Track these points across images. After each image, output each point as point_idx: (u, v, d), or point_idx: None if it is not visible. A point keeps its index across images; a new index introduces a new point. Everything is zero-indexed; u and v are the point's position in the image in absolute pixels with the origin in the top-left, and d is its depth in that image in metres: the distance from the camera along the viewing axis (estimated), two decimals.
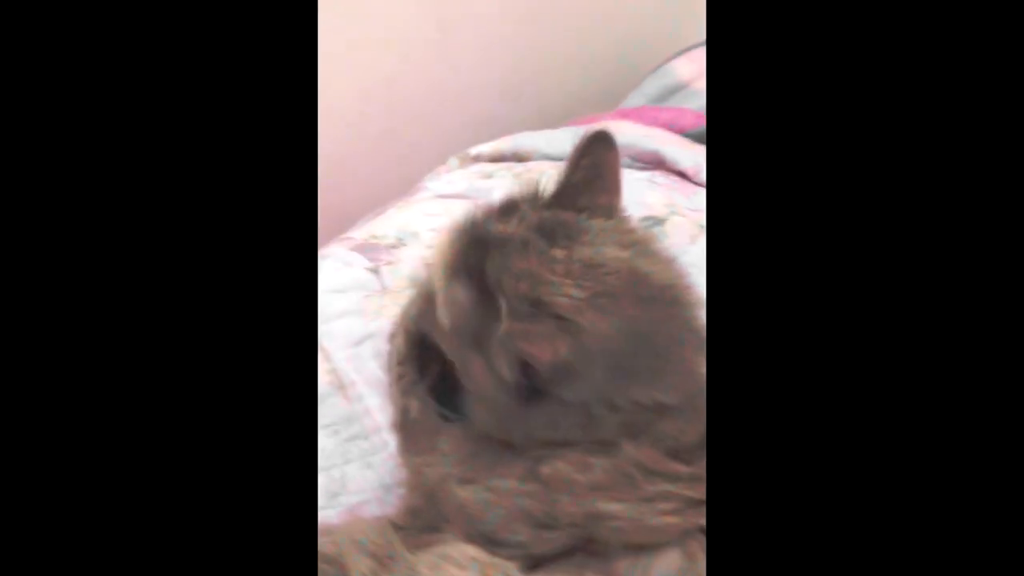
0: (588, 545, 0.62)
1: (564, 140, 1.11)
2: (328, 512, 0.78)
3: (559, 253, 0.65)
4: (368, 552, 0.65)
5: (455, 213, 0.97)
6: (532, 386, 0.63)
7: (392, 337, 0.77)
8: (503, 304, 0.63)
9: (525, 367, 0.62)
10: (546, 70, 1.46)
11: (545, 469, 0.64)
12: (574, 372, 0.62)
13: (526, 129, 1.20)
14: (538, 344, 0.62)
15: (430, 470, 0.70)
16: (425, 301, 0.71)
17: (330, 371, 0.86)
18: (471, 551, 0.62)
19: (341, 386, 0.85)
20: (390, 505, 0.78)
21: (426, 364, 0.71)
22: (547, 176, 0.75)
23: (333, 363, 0.86)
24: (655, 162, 1.06)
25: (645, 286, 0.66)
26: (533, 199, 0.72)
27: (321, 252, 0.99)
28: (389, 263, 0.93)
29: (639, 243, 0.70)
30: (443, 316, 0.67)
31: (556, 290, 0.63)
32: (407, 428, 0.75)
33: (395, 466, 0.80)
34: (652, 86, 1.31)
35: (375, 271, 0.92)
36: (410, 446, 0.76)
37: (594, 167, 0.72)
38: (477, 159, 1.14)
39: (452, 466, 0.68)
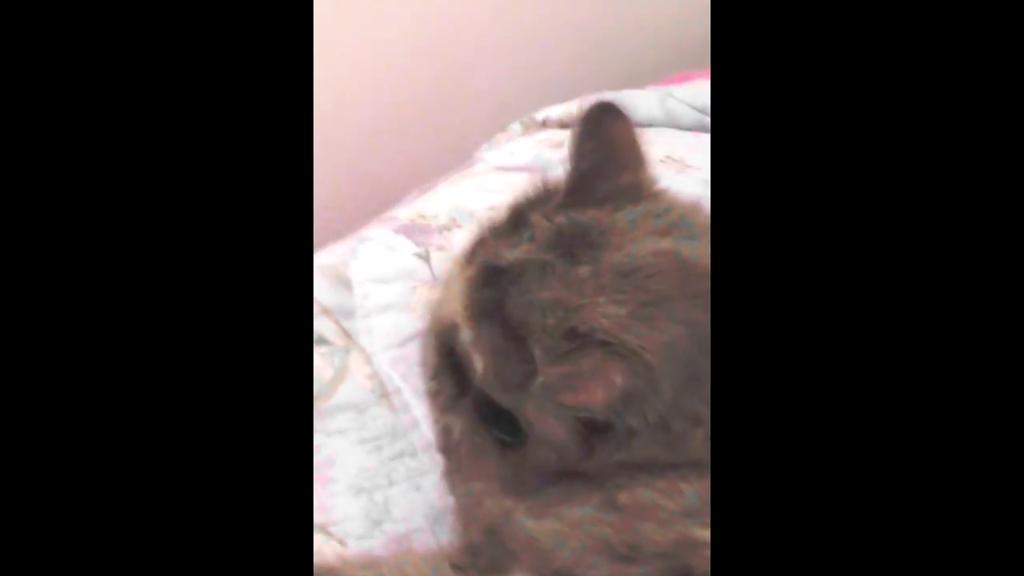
0: None
1: (651, 102, 0.97)
2: (369, 542, 0.67)
3: (584, 270, 0.57)
4: None
5: (514, 186, 0.86)
6: (594, 423, 0.56)
7: (423, 345, 0.69)
8: (535, 348, 0.55)
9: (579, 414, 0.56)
10: (620, 26, 1.31)
11: (623, 497, 0.56)
12: (639, 395, 0.54)
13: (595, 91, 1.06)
14: (586, 387, 0.55)
15: (489, 501, 0.62)
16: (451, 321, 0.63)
17: (371, 376, 0.74)
18: None
19: (384, 394, 0.74)
20: (442, 536, 0.67)
21: (464, 378, 0.63)
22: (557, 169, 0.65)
23: (374, 367, 0.75)
24: None
25: (696, 277, 0.57)
26: (543, 202, 0.62)
27: (361, 234, 0.87)
28: (441, 248, 0.80)
29: (679, 223, 0.61)
30: (479, 365, 0.59)
31: (591, 313, 0.55)
32: (453, 450, 0.66)
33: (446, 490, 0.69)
34: None
35: (424, 257, 0.79)
36: (460, 471, 0.68)
37: (604, 146, 0.63)
38: (545, 124, 1.01)
39: (515, 496, 0.60)
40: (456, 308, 0.61)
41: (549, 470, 0.60)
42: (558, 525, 0.57)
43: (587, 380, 0.54)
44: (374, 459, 0.70)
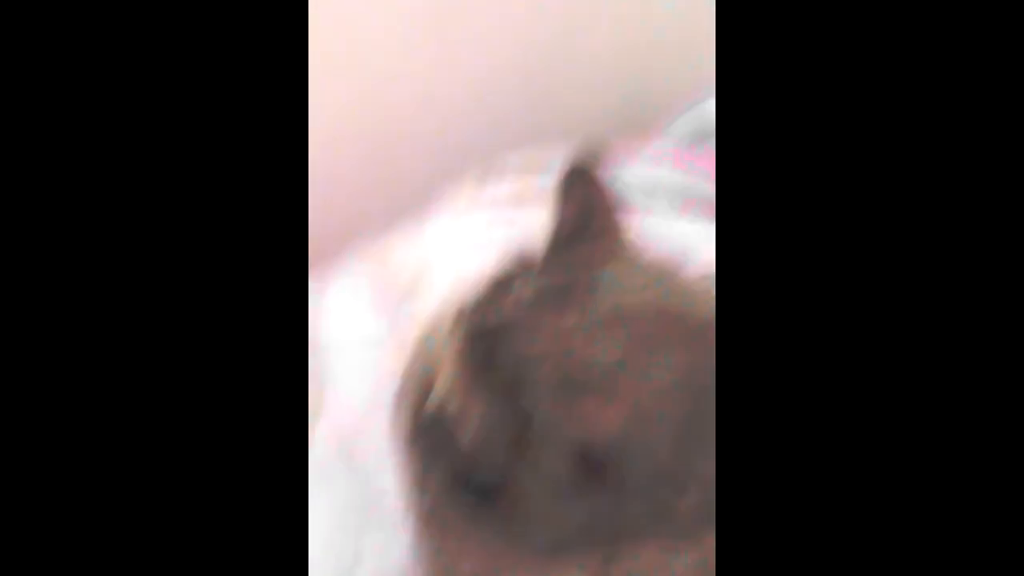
0: None
1: None
2: None
3: (571, 320, 0.56)
4: None
5: (483, 247, 0.86)
6: (588, 475, 0.55)
7: (394, 414, 0.66)
8: (532, 400, 0.54)
9: (580, 455, 0.54)
10: (563, 84, 1.33)
11: (616, 570, 0.56)
12: (634, 446, 0.54)
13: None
14: (589, 423, 0.53)
15: (467, 564, 0.61)
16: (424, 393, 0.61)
17: (338, 440, 0.73)
18: None
19: (349, 460, 0.72)
20: None
21: (438, 449, 0.61)
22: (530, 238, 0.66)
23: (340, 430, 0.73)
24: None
25: (684, 327, 0.57)
26: (523, 269, 0.61)
27: (316, 282, 0.85)
28: (409, 316, 0.79)
29: (663, 277, 0.61)
30: (466, 440, 0.58)
31: (583, 360, 0.54)
32: (425, 520, 0.64)
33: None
34: (683, 127, 1.19)
35: (390, 324, 0.79)
36: (432, 541, 0.65)
37: (580, 211, 0.62)
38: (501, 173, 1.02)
39: (495, 564, 0.59)
40: (439, 381, 0.61)
41: (532, 534, 0.59)
42: None
43: (587, 418, 0.54)
44: (340, 538, 0.70)
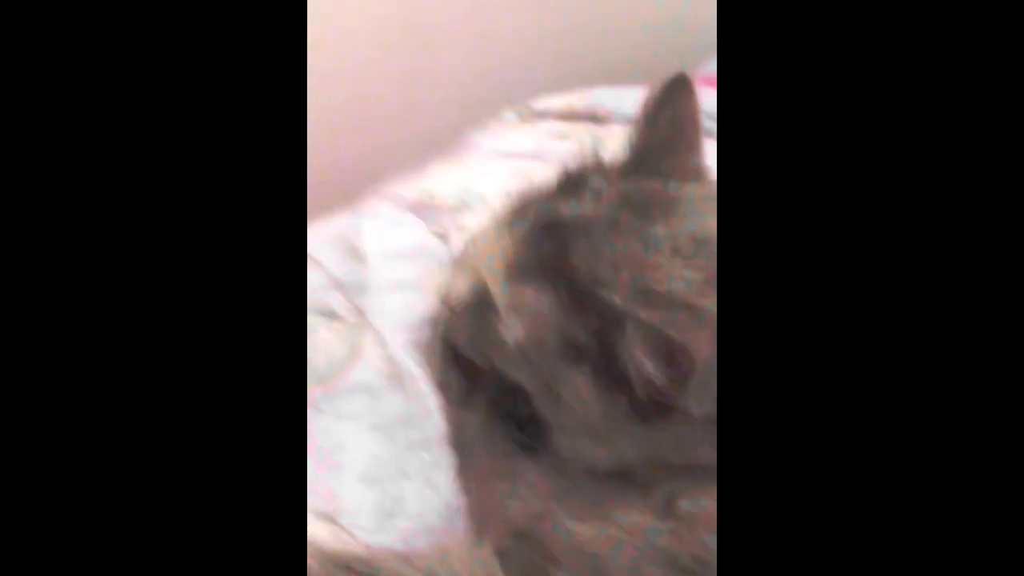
0: None
1: None
2: (379, 538, 0.61)
3: (660, 229, 0.52)
4: None
5: (527, 176, 0.82)
6: (654, 401, 0.50)
7: (431, 332, 0.63)
8: (613, 298, 0.50)
9: (671, 366, 0.49)
10: (608, 20, 1.28)
11: (685, 504, 0.51)
12: (708, 376, 0.48)
13: (578, 85, 1.02)
14: (676, 346, 0.48)
15: (515, 503, 0.56)
16: (456, 312, 0.58)
17: (386, 359, 0.68)
18: None
19: (399, 379, 0.67)
20: (454, 537, 0.62)
21: (474, 378, 0.58)
22: (613, 138, 0.62)
23: (388, 349, 0.68)
24: None
25: None
26: (602, 169, 0.58)
27: (360, 208, 0.81)
28: (460, 229, 0.74)
29: None
30: (510, 331, 0.54)
31: (668, 274, 0.50)
32: (467, 447, 0.61)
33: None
34: None
35: (443, 237, 0.74)
36: (476, 470, 0.61)
37: (675, 121, 0.59)
38: (543, 115, 0.96)
39: (548, 500, 0.55)
40: (489, 265, 0.57)
41: (583, 470, 0.55)
42: (611, 530, 0.52)
43: (680, 338, 0.49)
44: (386, 448, 0.65)
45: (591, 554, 0.52)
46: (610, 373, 0.52)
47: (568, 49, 1.26)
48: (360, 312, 0.69)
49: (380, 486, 0.63)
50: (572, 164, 0.59)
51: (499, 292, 0.55)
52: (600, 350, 0.52)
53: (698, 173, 0.60)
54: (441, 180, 0.83)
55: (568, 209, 0.54)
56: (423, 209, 0.78)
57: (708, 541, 0.50)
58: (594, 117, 0.94)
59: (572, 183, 0.57)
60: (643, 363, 0.50)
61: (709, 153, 0.85)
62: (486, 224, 0.59)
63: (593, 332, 0.52)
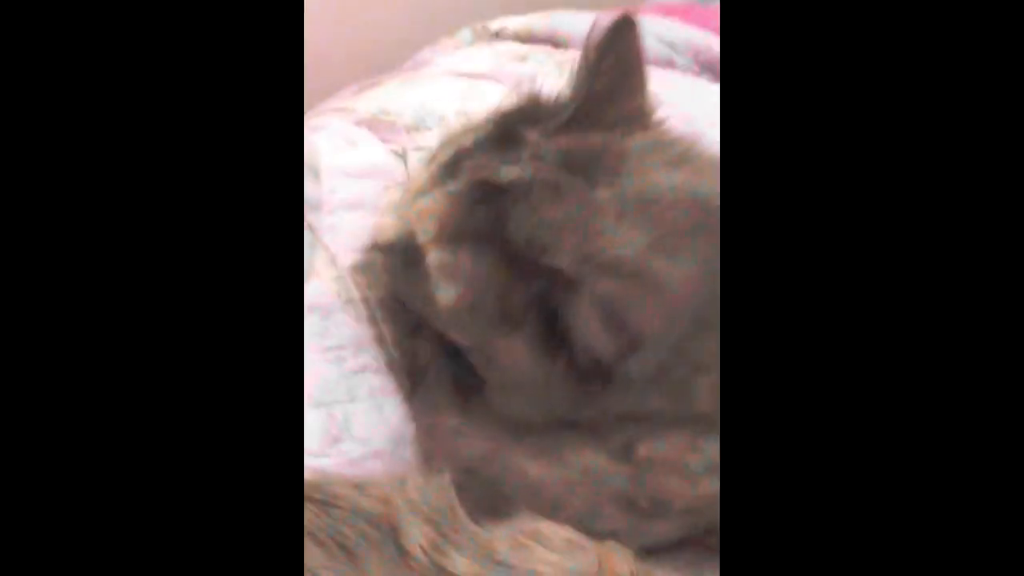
0: (706, 538, 0.52)
1: None
2: (324, 461, 0.60)
3: (604, 193, 0.52)
4: (426, 517, 0.50)
5: (485, 95, 0.80)
6: (595, 367, 0.51)
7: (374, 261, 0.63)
8: (557, 263, 0.50)
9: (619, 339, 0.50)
10: None
11: (642, 449, 0.52)
12: (654, 336, 0.50)
13: (525, 10, 0.99)
14: (634, 313, 0.49)
15: (466, 440, 0.57)
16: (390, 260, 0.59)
17: (336, 279, 0.66)
18: (563, 532, 0.49)
19: (350, 300, 0.66)
20: (402, 463, 0.61)
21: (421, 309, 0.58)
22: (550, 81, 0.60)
23: (340, 269, 0.67)
24: None
25: (709, 212, 0.54)
26: (535, 119, 0.57)
27: (311, 122, 0.78)
28: (418, 148, 0.72)
29: (687, 156, 0.57)
30: (443, 295, 0.54)
31: (614, 239, 0.51)
32: (418, 376, 0.61)
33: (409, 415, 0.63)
34: None
35: (402, 156, 0.72)
36: (426, 400, 0.61)
37: (620, 65, 0.58)
38: (499, 35, 0.94)
39: (499, 439, 0.55)
40: (422, 225, 0.55)
41: (531, 417, 0.55)
42: (565, 472, 0.53)
43: (635, 307, 0.50)
44: (335, 371, 0.63)
45: (545, 496, 0.52)
46: (549, 338, 0.51)
47: None
48: (313, 229, 0.67)
49: (327, 408, 0.62)
50: (503, 115, 0.57)
51: (432, 256, 0.54)
52: (540, 316, 0.51)
53: (643, 119, 0.59)
54: (396, 97, 0.80)
55: (506, 172, 0.53)
56: (378, 126, 0.76)
57: (667, 483, 0.51)
58: (553, 40, 0.92)
59: (506, 136, 0.56)
60: (591, 335, 0.50)
61: (660, 80, 0.85)
62: (420, 174, 0.57)
63: (534, 298, 0.51)
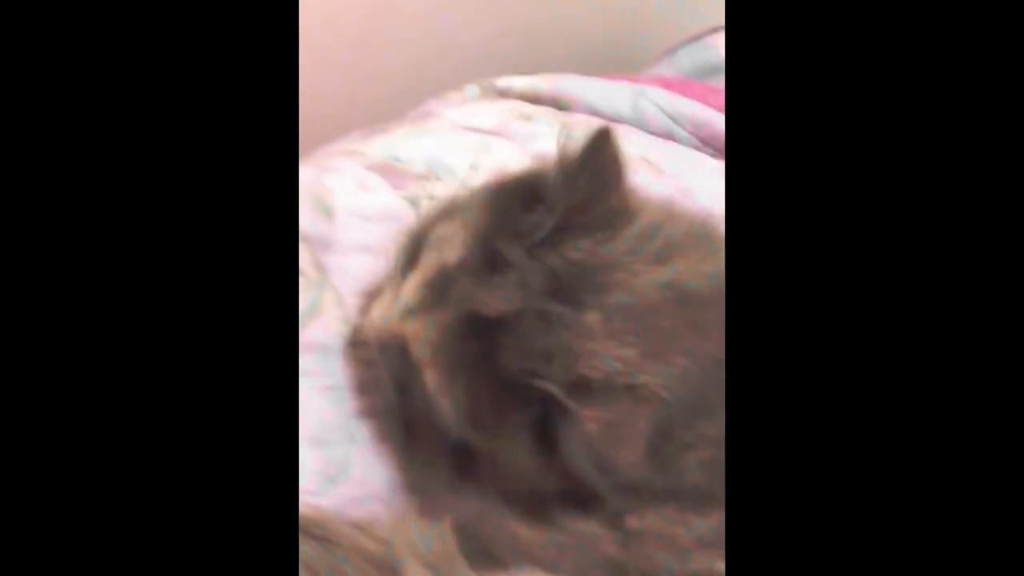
0: None
1: (618, 96, 0.94)
2: (320, 500, 0.60)
3: (592, 318, 0.53)
4: (426, 562, 0.51)
5: (493, 150, 0.81)
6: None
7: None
8: (548, 387, 0.52)
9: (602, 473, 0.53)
10: (573, 14, 1.28)
11: (633, 521, 0.53)
12: (655, 435, 0.53)
13: (531, 71, 1.01)
14: (628, 442, 0.52)
15: (457, 498, 0.58)
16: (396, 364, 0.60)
17: (343, 320, 0.67)
18: None
19: (354, 343, 0.66)
20: (396, 509, 0.61)
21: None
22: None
23: (347, 310, 0.67)
24: None
25: (696, 304, 0.56)
26: (518, 233, 0.57)
27: (322, 163, 0.79)
28: (431, 197, 0.73)
29: (670, 245, 0.58)
30: (445, 410, 0.56)
31: (604, 358, 0.53)
32: (412, 426, 0.62)
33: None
34: (688, 58, 1.15)
35: (414, 203, 0.72)
36: (421, 451, 0.63)
37: (597, 175, 0.58)
38: (505, 94, 0.95)
39: (490, 498, 0.56)
40: (416, 347, 0.57)
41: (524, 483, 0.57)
42: (557, 535, 0.53)
43: (626, 429, 0.52)
44: (335, 411, 0.63)
45: (536, 558, 0.52)
46: (545, 449, 0.54)
47: (533, 38, 1.25)
48: (323, 269, 0.67)
49: (327, 449, 0.62)
50: (485, 230, 0.58)
51: (430, 377, 0.56)
52: (536, 433, 0.54)
53: (625, 214, 0.58)
54: (406, 145, 0.81)
55: (494, 304, 0.54)
56: (390, 172, 0.76)
57: (657, 555, 0.52)
58: (557, 103, 0.93)
59: (491, 256, 0.56)
60: (579, 470, 0.52)
61: (662, 152, 0.87)
62: (407, 283, 0.58)
63: (531, 420, 0.53)
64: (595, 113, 0.92)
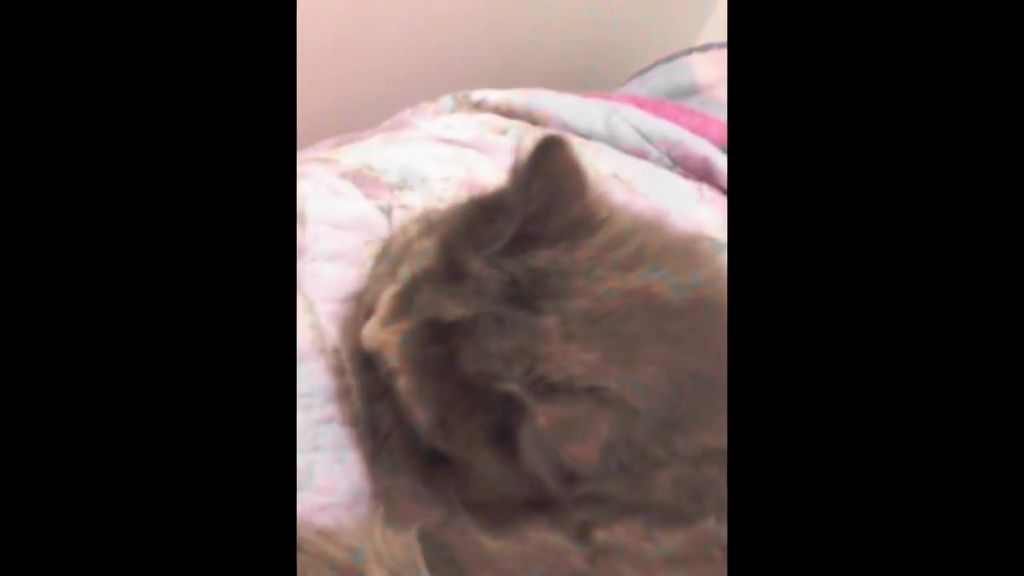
0: None
1: (591, 113, 0.94)
2: None
3: (549, 321, 0.53)
4: (390, 570, 0.52)
5: (467, 162, 0.81)
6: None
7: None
8: (510, 388, 0.52)
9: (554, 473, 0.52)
10: (550, 32, 1.28)
11: (600, 533, 0.53)
12: (617, 444, 0.52)
13: (500, 86, 1.02)
14: (581, 438, 0.51)
15: (422, 507, 0.59)
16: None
17: (312, 326, 0.66)
18: None
19: (323, 349, 0.66)
20: (359, 518, 0.61)
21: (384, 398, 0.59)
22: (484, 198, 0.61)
23: (316, 316, 0.67)
24: (703, 171, 0.90)
25: (668, 316, 0.55)
26: (480, 242, 0.57)
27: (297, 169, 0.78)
28: (403, 207, 0.73)
29: (642, 252, 0.58)
30: (418, 415, 0.56)
31: (562, 361, 0.52)
32: (379, 436, 0.62)
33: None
34: (662, 78, 1.15)
35: (387, 212, 0.73)
36: (387, 460, 0.63)
37: (552, 182, 0.57)
38: (479, 106, 0.95)
39: (456, 508, 0.56)
40: (389, 354, 0.57)
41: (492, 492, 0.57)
42: (522, 547, 0.53)
43: (583, 427, 0.51)
44: (302, 418, 0.63)
45: (500, 570, 0.53)
46: (511, 453, 0.53)
47: (506, 53, 1.26)
48: (293, 274, 0.67)
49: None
50: (449, 240, 0.58)
51: (402, 383, 0.56)
52: (500, 436, 0.53)
53: (590, 220, 0.58)
54: (380, 154, 0.81)
55: (452, 308, 0.54)
56: (363, 181, 0.76)
57: (623, 570, 0.52)
58: (531, 117, 0.94)
59: (453, 266, 0.56)
60: (533, 467, 0.52)
61: (636, 169, 0.88)
62: (385, 305, 0.58)
63: (493, 422, 0.53)
64: (568, 129, 0.92)
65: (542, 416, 0.50)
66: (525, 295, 0.54)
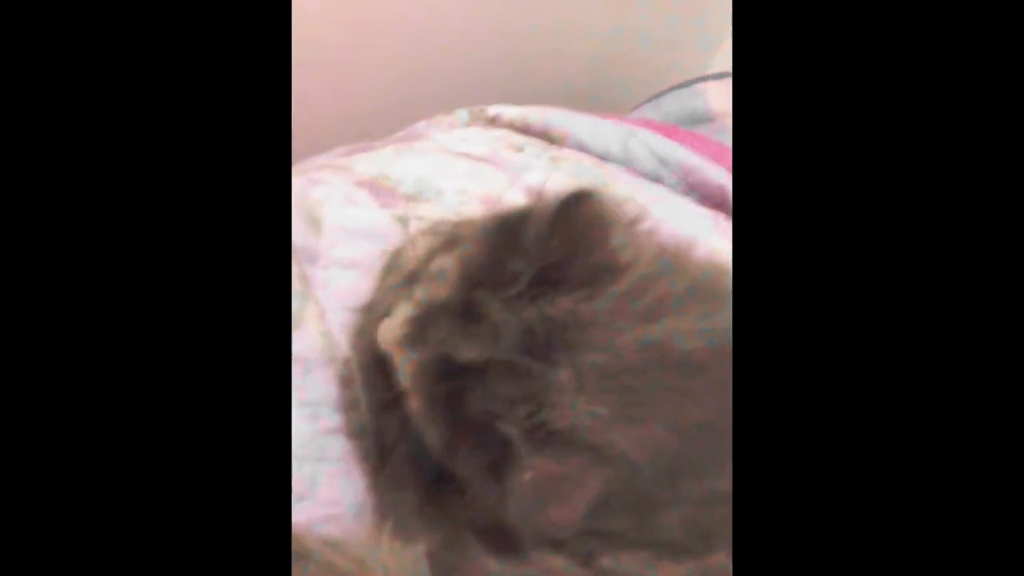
0: None
1: (608, 135, 0.93)
2: None
3: (564, 375, 0.52)
4: None
5: (482, 177, 0.80)
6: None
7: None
8: (509, 431, 0.52)
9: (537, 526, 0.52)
10: (563, 51, 1.28)
11: (606, 561, 0.52)
12: (615, 495, 0.51)
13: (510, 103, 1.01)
14: (568, 496, 0.51)
15: (425, 524, 0.57)
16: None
17: (324, 334, 0.65)
18: None
19: (333, 359, 0.65)
20: (361, 531, 0.60)
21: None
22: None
23: (328, 325, 0.66)
24: (719, 199, 0.90)
25: (686, 368, 0.54)
26: (499, 283, 0.56)
27: (310, 175, 0.77)
28: (419, 218, 0.72)
29: (663, 303, 0.56)
30: (428, 437, 0.55)
31: (569, 412, 0.51)
32: (385, 451, 0.60)
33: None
34: (675, 104, 1.15)
35: (403, 223, 0.71)
36: (392, 476, 0.60)
37: (573, 235, 0.57)
38: (495, 121, 0.94)
39: (461, 529, 0.55)
40: (399, 371, 0.56)
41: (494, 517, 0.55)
42: (526, 569, 0.53)
43: (570, 486, 0.50)
44: (308, 428, 0.62)
45: None
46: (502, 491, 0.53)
47: (518, 72, 1.25)
48: (307, 282, 0.66)
49: (296, 465, 0.60)
50: (468, 274, 0.57)
51: (414, 404, 0.55)
52: (495, 475, 0.53)
53: (612, 268, 0.57)
54: (396, 164, 0.80)
55: (464, 351, 0.53)
56: (378, 190, 0.75)
57: None
58: (547, 135, 0.93)
59: (469, 303, 0.55)
60: (518, 516, 0.52)
61: (650, 195, 0.87)
62: (400, 325, 0.57)
63: (492, 461, 0.53)
64: (584, 149, 0.91)
65: (528, 472, 0.50)
66: (540, 345, 0.53)
